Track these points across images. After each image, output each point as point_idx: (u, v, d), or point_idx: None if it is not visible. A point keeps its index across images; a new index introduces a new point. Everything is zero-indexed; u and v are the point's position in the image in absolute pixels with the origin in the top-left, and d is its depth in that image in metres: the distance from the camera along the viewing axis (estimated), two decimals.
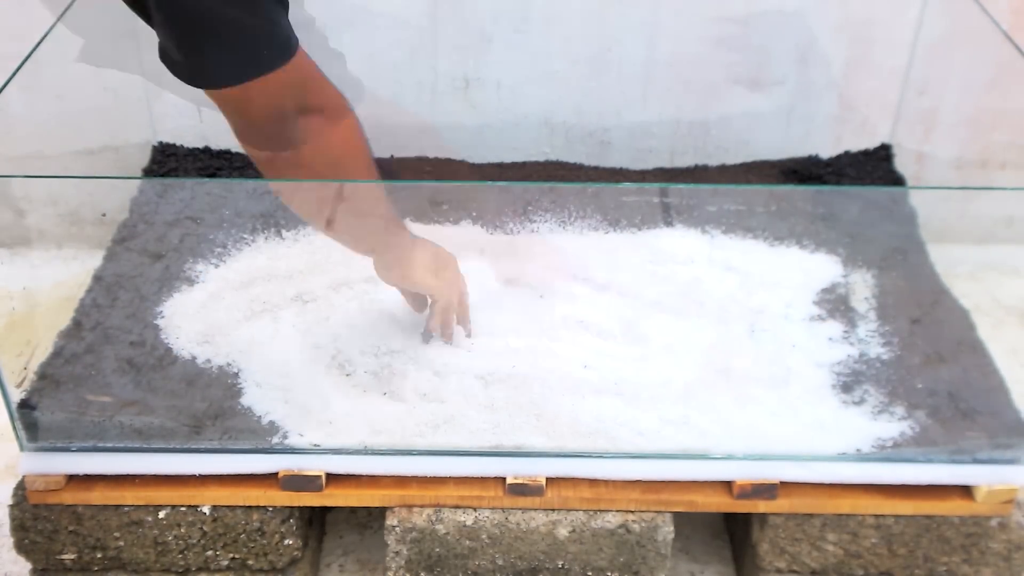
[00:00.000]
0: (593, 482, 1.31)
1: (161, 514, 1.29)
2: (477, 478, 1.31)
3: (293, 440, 1.31)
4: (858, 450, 1.32)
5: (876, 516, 1.31)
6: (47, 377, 1.38)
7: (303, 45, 1.12)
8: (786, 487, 1.30)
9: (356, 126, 1.23)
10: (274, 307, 1.49)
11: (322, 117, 1.17)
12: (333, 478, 1.31)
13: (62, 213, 1.96)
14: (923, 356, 1.45)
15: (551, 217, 1.66)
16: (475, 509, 1.30)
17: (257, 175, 1.24)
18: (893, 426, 1.34)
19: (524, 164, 1.92)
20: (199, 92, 1.10)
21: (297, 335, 1.44)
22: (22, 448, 1.30)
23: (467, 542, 1.30)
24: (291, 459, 1.30)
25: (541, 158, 1.95)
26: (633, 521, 1.30)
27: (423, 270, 1.37)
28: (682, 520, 1.36)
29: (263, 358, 1.40)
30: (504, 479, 1.30)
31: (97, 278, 1.56)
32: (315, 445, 1.31)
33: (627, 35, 1.84)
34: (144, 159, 1.86)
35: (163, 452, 1.31)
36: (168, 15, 1.04)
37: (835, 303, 1.54)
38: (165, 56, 1.09)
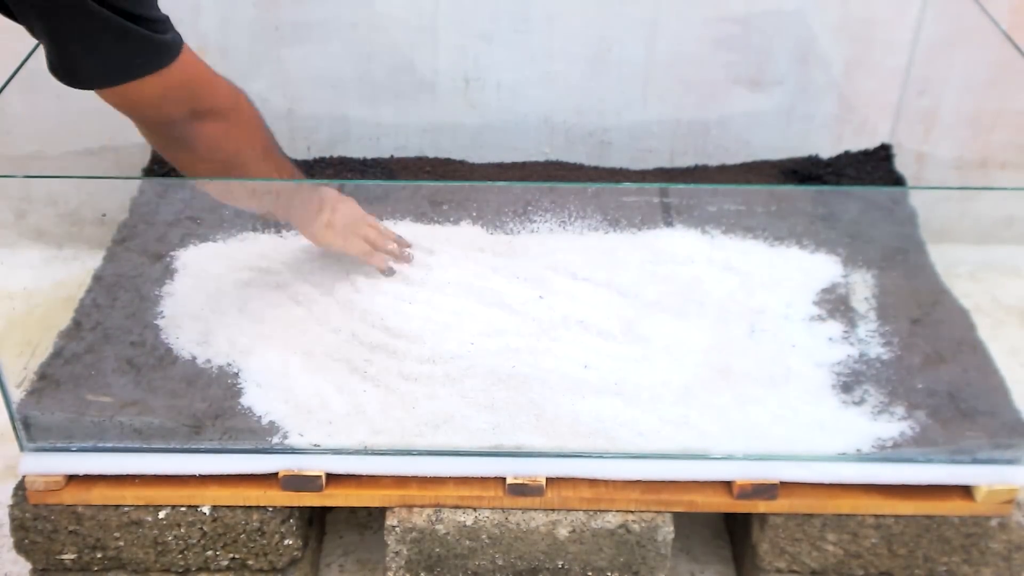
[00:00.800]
0: (593, 482, 1.31)
1: (161, 514, 1.29)
2: (477, 478, 1.31)
3: (293, 440, 1.31)
4: (858, 450, 1.32)
5: (876, 516, 1.31)
6: (47, 377, 1.38)
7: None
8: (786, 487, 1.30)
9: (250, 120, 1.28)
10: (274, 305, 1.49)
11: (214, 118, 1.21)
12: (333, 478, 1.31)
13: (62, 213, 1.96)
14: (923, 356, 1.45)
15: (551, 217, 1.66)
16: (475, 509, 1.30)
17: (255, 175, 1.25)
18: (893, 426, 1.34)
19: (524, 164, 1.92)
20: None
21: (296, 333, 1.44)
22: (22, 448, 1.31)
23: (467, 542, 1.30)
24: (291, 459, 1.30)
25: (541, 158, 1.95)
26: (633, 521, 1.30)
27: (331, 232, 1.45)
28: (682, 520, 1.36)
29: (263, 358, 1.40)
30: (504, 479, 1.30)
31: (97, 278, 1.56)
32: (315, 445, 1.31)
33: (627, 35, 1.84)
34: (144, 159, 1.86)
35: (163, 452, 1.31)
36: (39, 13, 1.04)
37: (835, 303, 1.54)
38: (47, 56, 1.10)
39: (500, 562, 1.32)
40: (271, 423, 1.33)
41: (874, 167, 1.89)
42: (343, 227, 1.48)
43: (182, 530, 1.30)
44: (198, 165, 1.26)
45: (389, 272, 1.49)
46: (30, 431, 1.31)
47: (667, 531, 1.30)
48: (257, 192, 1.38)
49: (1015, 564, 1.33)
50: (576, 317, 1.47)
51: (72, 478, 1.30)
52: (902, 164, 1.90)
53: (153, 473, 1.30)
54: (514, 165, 1.91)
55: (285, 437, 1.32)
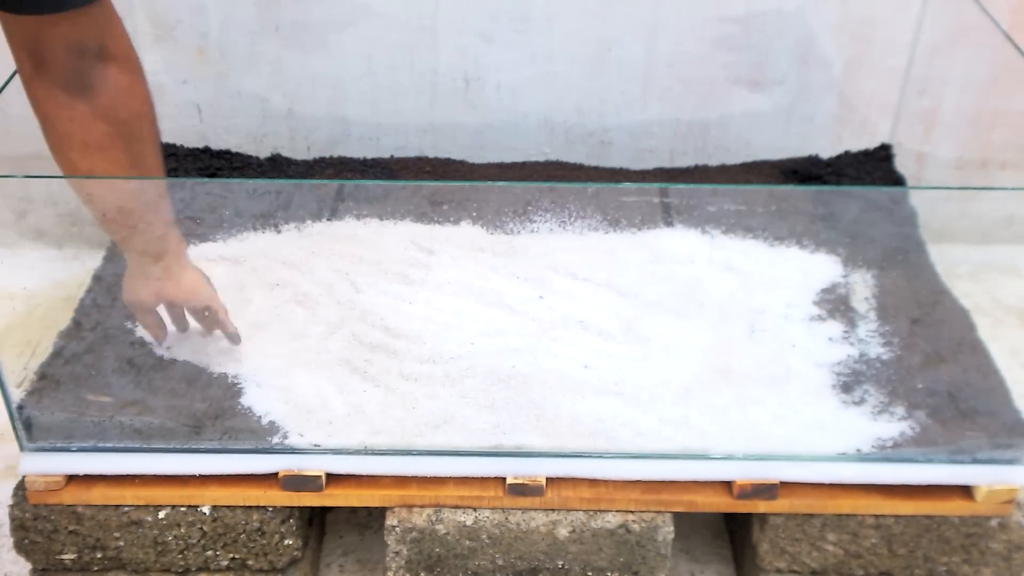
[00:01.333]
0: (593, 482, 1.31)
1: (161, 514, 1.29)
2: (477, 478, 1.31)
3: (293, 440, 1.31)
4: (858, 450, 1.32)
5: (876, 516, 1.31)
6: (47, 377, 1.38)
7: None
8: (786, 487, 1.30)
9: (146, 82, 1.22)
10: (274, 305, 1.49)
11: (120, 67, 1.17)
12: (333, 478, 1.31)
13: (62, 213, 1.96)
14: (923, 356, 1.45)
15: (551, 217, 1.66)
16: (475, 509, 1.30)
17: (256, 175, 1.24)
18: (893, 426, 1.34)
19: (524, 164, 1.92)
20: None
21: (296, 333, 1.44)
22: (22, 448, 1.31)
23: (467, 542, 1.30)
24: (291, 459, 1.30)
25: (541, 158, 1.95)
26: (633, 521, 1.30)
27: (205, 287, 1.35)
28: (682, 520, 1.36)
29: (263, 358, 1.40)
30: (504, 479, 1.30)
31: (97, 278, 1.56)
32: (315, 445, 1.31)
33: (627, 35, 1.84)
34: None
35: (163, 452, 1.31)
36: None
37: (835, 303, 1.54)
38: None
39: (500, 562, 1.32)
40: (271, 423, 1.33)
41: (874, 167, 1.89)
42: (169, 301, 1.36)
43: (182, 530, 1.30)
44: (94, 126, 1.17)
45: (236, 340, 1.39)
46: (30, 431, 1.31)
47: (667, 531, 1.30)
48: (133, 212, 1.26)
49: (1015, 564, 1.33)
50: (576, 317, 1.47)
51: (72, 478, 1.30)
52: (902, 164, 1.90)
53: (153, 473, 1.30)
54: (514, 165, 1.91)
55: (285, 437, 1.32)
